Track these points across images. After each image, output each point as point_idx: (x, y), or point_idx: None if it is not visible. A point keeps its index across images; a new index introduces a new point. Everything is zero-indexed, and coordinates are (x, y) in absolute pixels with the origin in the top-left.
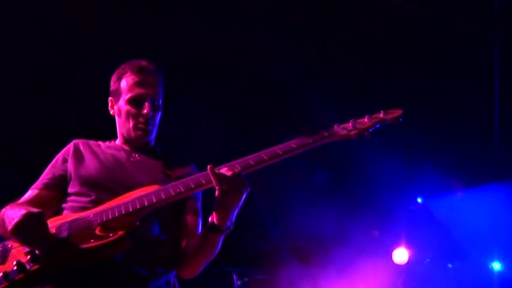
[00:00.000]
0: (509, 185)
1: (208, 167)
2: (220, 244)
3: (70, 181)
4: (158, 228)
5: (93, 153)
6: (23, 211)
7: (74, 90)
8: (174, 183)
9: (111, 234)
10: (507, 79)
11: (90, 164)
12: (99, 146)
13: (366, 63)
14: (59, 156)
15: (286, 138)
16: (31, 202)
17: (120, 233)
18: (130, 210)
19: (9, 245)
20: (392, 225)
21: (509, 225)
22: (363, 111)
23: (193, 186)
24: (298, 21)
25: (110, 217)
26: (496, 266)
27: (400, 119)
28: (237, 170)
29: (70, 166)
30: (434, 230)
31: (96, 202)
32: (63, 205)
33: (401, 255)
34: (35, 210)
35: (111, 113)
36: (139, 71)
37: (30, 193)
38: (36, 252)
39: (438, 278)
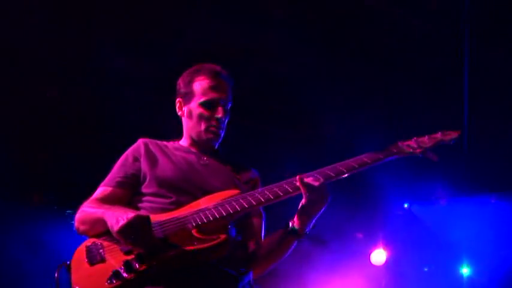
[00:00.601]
0: (482, 199)
1: (298, 177)
2: (294, 247)
3: (144, 181)
4: (235, 230)
5: (165, 154)
6: (132, 214)
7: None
8: (259, 190)
9: (214, 237)
10: (476, 104)
11: (165, 165)
12: (167, 146)
13: (369, 69)
14: (128, 155)
15: (290, 139)
16: (104, 199)
17: (223, 236)
18: (224, 214)
19: (99, 243)
20: (378, 228)
21: (480, 235)
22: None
23: (281, 194)
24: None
25: (205, 220)
26: (465, 271)
27: (452, 141)
28: (322, 180)
29: (144, 166)
30: (415, 234)
31: (177, 204)
32: (139, 205)
33: (378, 256)
34: (143, 213)
35: (179, 114)
36: (215, 75)
37: (102, 190)
38: (141, 252)
39: (414, 280)
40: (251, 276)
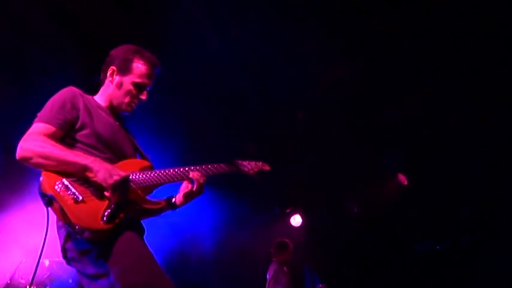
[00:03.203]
0: None
1: (191, 173)
2: None
3: (81, 130)
4: None
5: (95, 110)
6: (123, 172)
7: None
8: (169, 170)
9: (158, 202)
10: None
11: (101, 123)
12: (89, 101)
13: None
14: (66, 100)
15: None
16: (50, 136)
17: (163, 203)
18: (155, 182)
19: (71, 183)
20: None
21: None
22: None
23: (182, 177)
24: None
25: (145, 184)
26: None
27: (267, 172)
28: (205, 177)
29: (84, 117)
30: None
31: (110, 160)
32: (74, 150)
33: None
34: (125, 173)
35: (108, 80)
36: (153, 66)
37: (47, 128)
38: (118, 202)
39: None
40: None
